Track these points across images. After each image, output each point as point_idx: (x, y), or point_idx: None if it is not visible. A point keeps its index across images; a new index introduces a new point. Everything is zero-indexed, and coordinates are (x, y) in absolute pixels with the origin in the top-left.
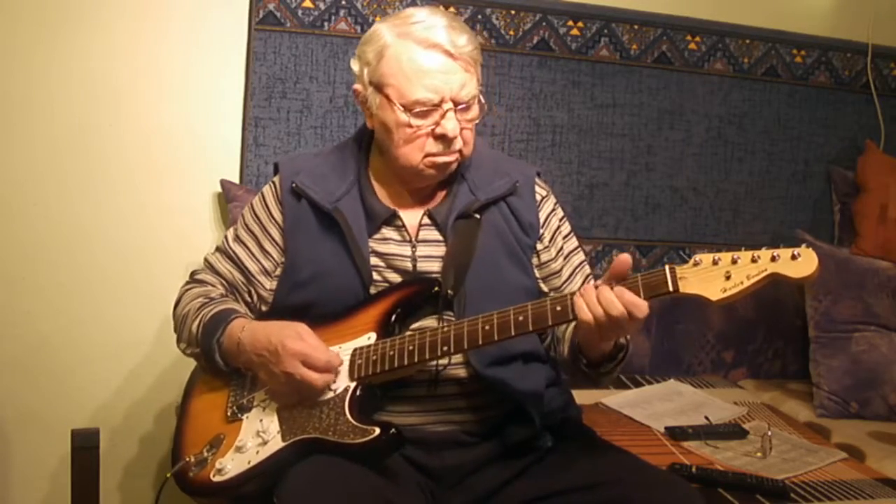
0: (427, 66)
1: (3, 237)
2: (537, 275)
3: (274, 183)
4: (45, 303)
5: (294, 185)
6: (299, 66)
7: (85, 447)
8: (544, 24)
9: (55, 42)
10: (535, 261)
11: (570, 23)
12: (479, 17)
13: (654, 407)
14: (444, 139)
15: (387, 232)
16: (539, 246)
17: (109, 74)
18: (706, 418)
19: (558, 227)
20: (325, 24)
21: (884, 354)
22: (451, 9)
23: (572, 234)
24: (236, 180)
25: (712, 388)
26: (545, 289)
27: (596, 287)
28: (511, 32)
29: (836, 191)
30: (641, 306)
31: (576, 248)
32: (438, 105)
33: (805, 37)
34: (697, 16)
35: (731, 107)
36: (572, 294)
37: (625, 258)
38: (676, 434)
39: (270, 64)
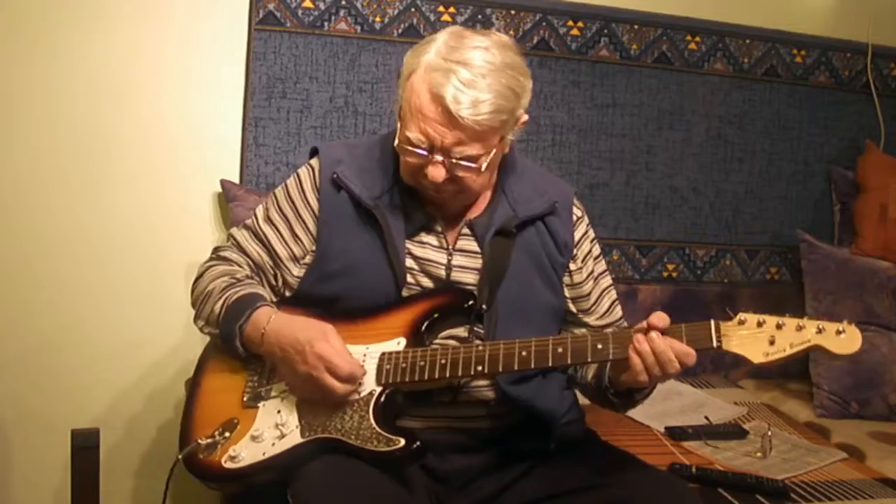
0: (426, 112)
1: (4, 237)
2: (567, 294)
3: (312, 168)
4: (46, 302)
5: (335, 175)
6: (299, 66)
7: (85, 447)
8: (544, 24)
9: (56, 43)
10: (566, 280)
11: (570, 23)
12: (480, 17)
13: (654, 407)
14: (429, 179)
15: (424, 236)
16: (572, 266)
17: (110, 74)
18: (706, 418)
19: (590, 249)
20: (325, 24)
21: (884, 354)
22: (451, 9)
23: (602, 256)
24: (236, 180)
25: (712, 388)
26: (573, 309)
27: (645, 334)
28: (511, 32)
29: (836, 191)
30: (692, 356)
31: (604, 272)
32: (429, 151)
33: (805, 37)
34: (697, 16)
35: (731, 107)
36: (614, 333)
37: (663, 317)
38: (676, 434)
39: (270, 64)
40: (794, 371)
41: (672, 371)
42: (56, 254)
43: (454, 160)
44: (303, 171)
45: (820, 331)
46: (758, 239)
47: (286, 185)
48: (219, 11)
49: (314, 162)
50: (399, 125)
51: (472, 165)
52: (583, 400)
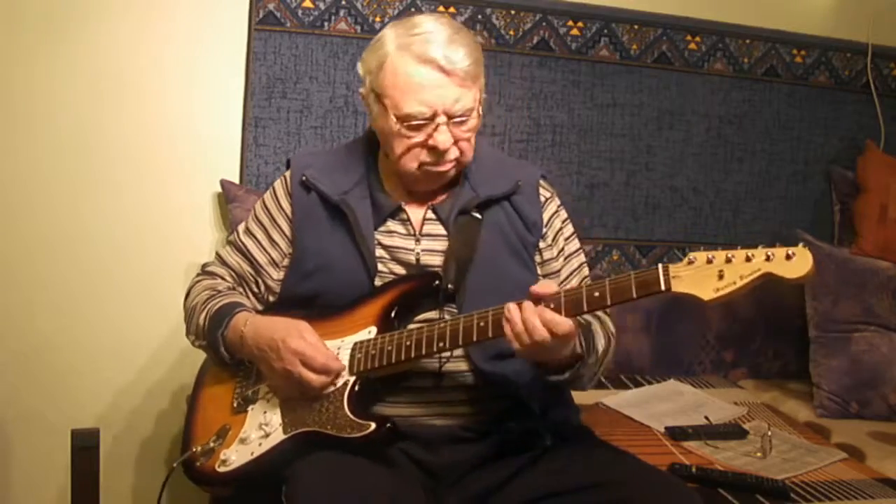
0: (421, 81)
1: (5, 236)
2: (539, 272)
3: (285, 177)
4: (46, 302)
5: (304, 178)
6: (299, 66)
7: (85, 447)
8: (544, 24)
9: (57, 44)
10: (537, 258)
11: (570, 23)
12: (479, 17)
13: (654, 407)
14: (436, 150)
15: (392, 225)
16: (542, 244)
17: (110, 74)
18: (706, 418)
19: (560, 228)
20: (325, 24)
21: (884, 354)
22: (451, 9)
23: (575, 237)
24: (236, 180)
25: (712, 388)
26: None
27: (520, 305)
28: (511, 32)
29: (836, 191)
30: (562, 324)
31: (577, 251)
32: (431, 119)
33: (805, 37)
34: (697, 16)
35: (731, 107)
36: (568, 291)
37: (544, 284)
38: (676, 434)
39: (270, 64)
40: (794, 371)
41: (538, 338)
42: (57, 254)
43: (456, 119)
44: (277, 182)
45: (769, 258)
46: (758, 239)
47: (263, 198)
48: (219, 11)
49: (287, 171)
50: (389, 119)
51: (473, 120)
52: (579, 399)
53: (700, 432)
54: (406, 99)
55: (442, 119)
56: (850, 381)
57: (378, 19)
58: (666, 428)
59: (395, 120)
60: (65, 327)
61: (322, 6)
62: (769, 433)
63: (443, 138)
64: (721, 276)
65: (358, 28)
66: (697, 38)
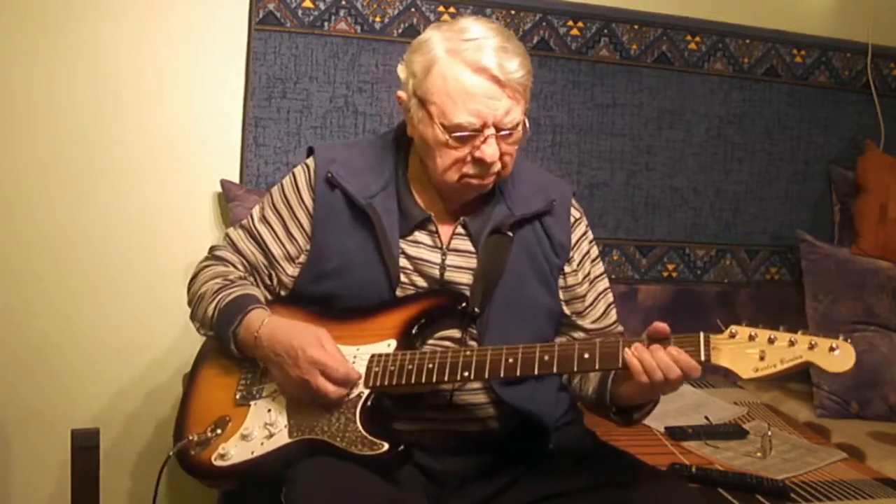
0: (472, 89)
1: (4, 236)
2: (561, 296)
3: (307, 167)
4: (46, 302)
5: (329, 174)
6: (299, 66)
7: (85, 447)
8: (544, 24)
9: (57, 43)
10: (560, 282)
11: (570, 23)
12: (479, 17)
13: None
14: (481, 163)
15: (419, 235)
16: (567, 268)
17: (110, 74)
18: (706, 418)
19: (588, 250)
20: (325, 24)
21: (884, 354)
22: (451, 9)
23: (599, 259)
24: (236, 180)
25: (712, 388)
26: (567, 311)
27: (647, 346)
28: (511, 32)
29: (836, 191)
30: (697, 370)
31: (601, 274)
32: (480, 130)
33: (805, 37)
34: (697, 16)
35: (731, 107)
36: (602, 343)
37: (663, 328)
38: (676, 434)
39: (270, 64)
40: (794, 371)
41: (673, 377)
42: (56, 253)
43: (503, 132)
44: (298, 171)
45: (812, 346)
46: (758, 239)
47: (281, 185)
48: (219, 11)
49: (310, 161)
50: (434, 127)
51: (519, 133)
52: None
53: (700, 432)
54: (455, 108)
55: (490, 131)
56: (850, 381)
57: (378, 19)
58: (666, 428)
59: (441, 129)
60: (64, 327)
61: (322, 6)
62: (769, 433)
63: (491, 151)
64: (762, 357)
65: (358, 28)
66: (697, 38)
